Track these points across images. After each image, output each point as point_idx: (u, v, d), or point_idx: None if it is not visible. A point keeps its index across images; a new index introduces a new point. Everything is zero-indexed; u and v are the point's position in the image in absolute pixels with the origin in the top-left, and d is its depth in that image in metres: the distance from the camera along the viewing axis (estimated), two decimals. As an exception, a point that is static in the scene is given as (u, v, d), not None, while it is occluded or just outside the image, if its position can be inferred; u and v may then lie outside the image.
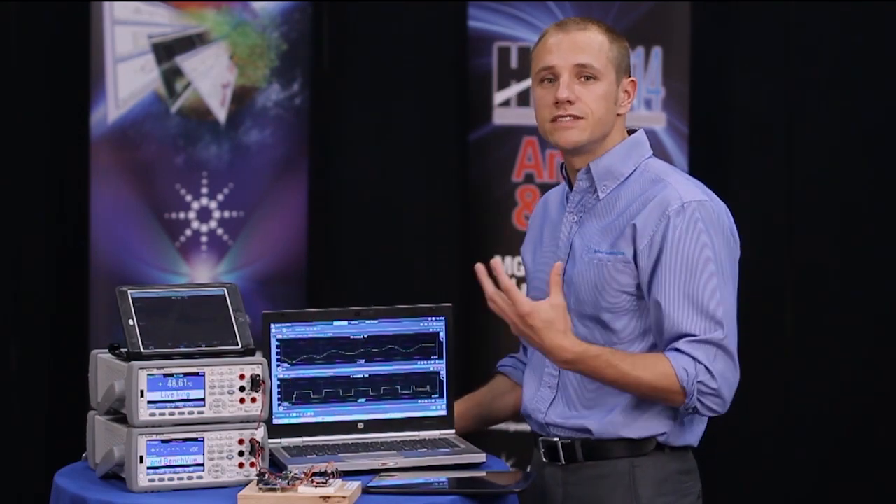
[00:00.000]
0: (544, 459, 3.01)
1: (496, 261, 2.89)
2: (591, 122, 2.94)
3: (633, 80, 3.01)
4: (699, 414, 2.88)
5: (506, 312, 2.84)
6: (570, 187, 3.04)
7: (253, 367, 2.76)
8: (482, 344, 5.05)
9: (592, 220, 2.98)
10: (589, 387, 2.94)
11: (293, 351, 3.02)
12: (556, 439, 2.98)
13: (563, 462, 2.97)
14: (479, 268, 2.87)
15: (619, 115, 2.99)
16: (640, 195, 2.93)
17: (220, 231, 5.15)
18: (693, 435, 2.97)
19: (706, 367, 2.83)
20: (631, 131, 3.03)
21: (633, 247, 2.90)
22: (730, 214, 2.96)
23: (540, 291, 3.02)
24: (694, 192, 2.92)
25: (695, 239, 2.87)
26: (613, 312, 2.92)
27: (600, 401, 2.94)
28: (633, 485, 2.93)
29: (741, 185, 4.99)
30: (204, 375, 2.73)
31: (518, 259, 5.06)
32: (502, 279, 2.84)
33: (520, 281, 5.08)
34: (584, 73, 2.94)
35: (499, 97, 5.14)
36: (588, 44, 2.95)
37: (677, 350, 2.86)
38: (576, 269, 2.96)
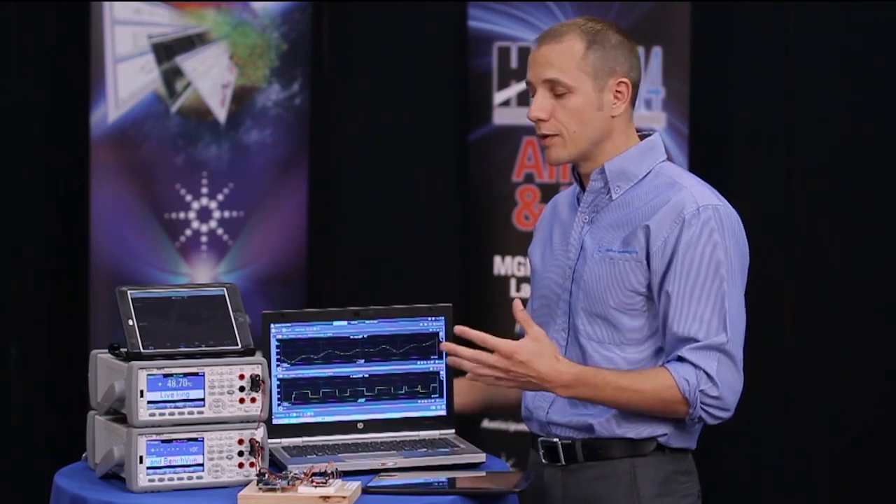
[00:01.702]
0: (543, 461, 3.01)
1: (459, 327, 2.86)
2: (568, 137, 2.94)
3: (621, 80, 2.97)
4: (705, 423, 2.90)
5: (495, 366, 2.82)
6: (582, 188, 3.04)
7: (253, 367, 2.76)
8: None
9: (604, 220, 2.98)
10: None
11: (293, 351, 3.02)
12: (555, 440, 2.98)
13: (564, 463, 2.98)
14: (446, 346, 2.86)
15: (613, 117, 2.98)
16: (654, 197, 2.93)
17: (220, 231, 5.16)
18: (692, 438, 2.98)
19: (707, 375, 2.84)
20: (646, 133, 3.02)
21: (646, 248, 2.90)
22: (740, 221, 2.96)
23: (549, 290, 3.04)
24: (709, 196, 2.93)
25: (708, 243, 2.88)
26: (623, 311, 2.93)
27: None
28: (634, 484, 2.93)
29: (741, 185, 4.98)
30: (204, 375, 2.73)
31: (518, 259, 5.07)
32: (473, 336, 2.83)
33: (521, 280, 5.08)
34: (555, 89, 2.94)
35: (499, 97, 5.15)
36: (557, 57, 2.93)
37: (679, 359, 2.87)
38: (586, 268, 2.97)
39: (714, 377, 2.84)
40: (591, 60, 2.93)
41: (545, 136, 2.95)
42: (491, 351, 2.83)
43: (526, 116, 2.98)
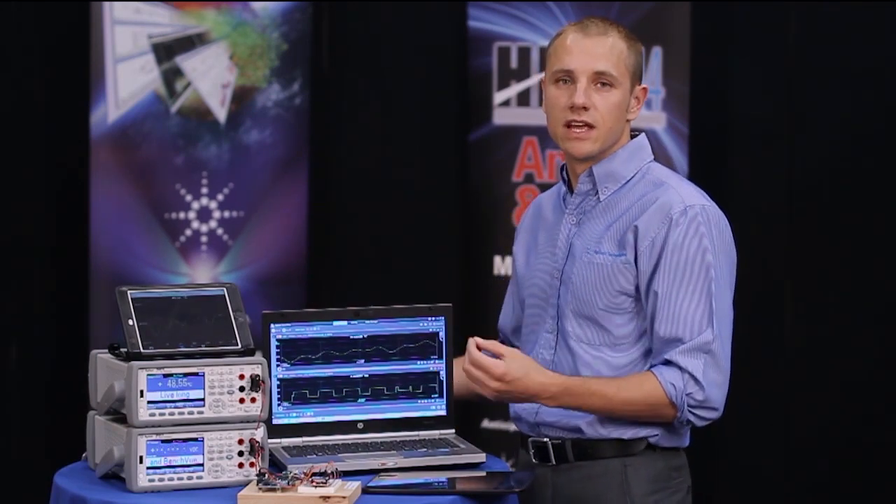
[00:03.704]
0: (534, 461, 3.01)
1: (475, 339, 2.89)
2: (604, 131, 2.95)
3: (644, 88, 3.02)
4: (694, 425, 2.91)
5: (484, 383, 2.85)
6: (570, 189, 3.04)
7: (253, 367, 2.76)
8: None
9: (592, 222, 2.99)
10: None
11: (293, 351, 3.02)
12: (545, 440, 2.99)
13: (554, 463, 2.98)
14: (475, 340, 2.89)
15: (627, 120, 3.00)
16: (642, 197, 2.94)
17: (220, 231, 5.15)
18: (684, 437, 2.98)
19: (694, 378, 2.85)
20: (634, 134, 3.04)
21: (634, 249, 2.91)
22: (727, 222, 2.97)
23: (537, 292, 3.04)
24: (696, 196, 2.94)
25: (696, 243, 2.88)
26: (611, 313, 2.93)
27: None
28: (625, 483, 2.94)
29: (741, 185, 4.98)
30: (204, 375, 2.73)
31: (518, 259, 5.06)
32: (485, 344, 2.87)
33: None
34: (602, 80, 2.95)
35: (499, 97, 5.14)
36: (608, 51, 2.95)
37: (666, 362, 2.87)
38: (574, 270, 2.97)
39: (700, 380, 2.85)
40: (631, 62, 2.98)
41: (579, 127, 2.95)
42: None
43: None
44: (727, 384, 2.90)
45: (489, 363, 2.85)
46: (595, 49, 2.95)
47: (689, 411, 2.87)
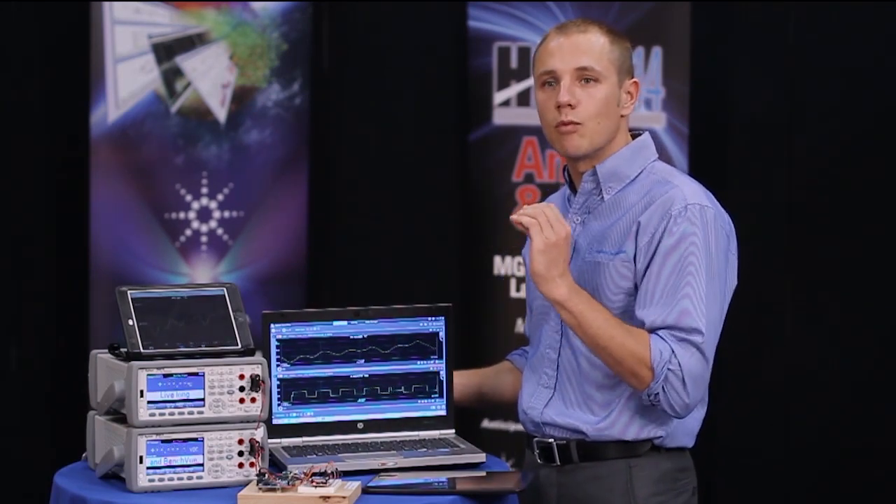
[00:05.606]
0: (539, 461, 3.01)
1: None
2: (592, 126, 2.94)
3: (635, 82, 3.01)
4: (659, 405, 2.86)
5: (545, 230, 2.84)
6: (573, 190, 3.04)
7: (253, 367, 2.76)
8: (482, 344, 5.05)
9: (597, 221, 2.99)
10: (586, 387, 2.95)
11: (293, 351, 3.02)
12: (551, 440, 2.98)
13: (559, 463, 2.98)
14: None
15: (622, 116, 3.00)
16: (646, 194, 2.94)
17: (220, 231, 5.16)
18: (688, 436, 2.97)
19: (680, 364, 2.83)
20: (636, 133, 3.04)
21: (634, 245, 2.91)
22: (731, 224, 2.96)
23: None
24: (699, 196, 2.93)
25: (690, 240, 2.87)
26: (611, 311, 2.92)
27: (597, 402, 2.94)
28: (630, 484, 2.93)
29: (741, 185, 4.98)
30: (204, 375, 2.73)
31: (518, 259, 5.07)
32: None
33: (521, 280, 5.08)
34: (585, 76, 2.94)
35: (499, 97, 5.14)
36: (589, 46, 2.95)
37: (659, 336, 2.86)
38: (577, 269, 2.97)
39: (684, 369, 2.83)
40: (616, 56, 2.97)
41: (567, 124, 2.95)
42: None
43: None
44: (705, 385, 2.88)
45: (565, 222, 2.85)
46: (576, 46, 2.96)
47: (663, 386, 2.82)
